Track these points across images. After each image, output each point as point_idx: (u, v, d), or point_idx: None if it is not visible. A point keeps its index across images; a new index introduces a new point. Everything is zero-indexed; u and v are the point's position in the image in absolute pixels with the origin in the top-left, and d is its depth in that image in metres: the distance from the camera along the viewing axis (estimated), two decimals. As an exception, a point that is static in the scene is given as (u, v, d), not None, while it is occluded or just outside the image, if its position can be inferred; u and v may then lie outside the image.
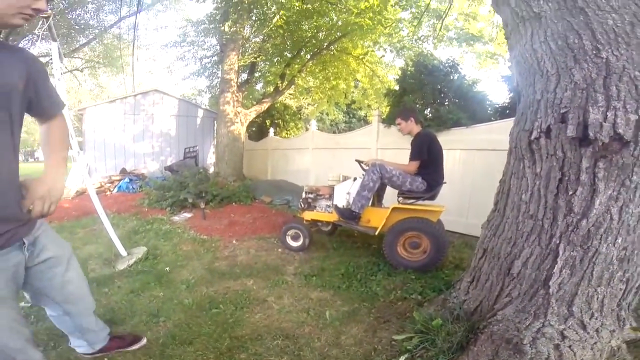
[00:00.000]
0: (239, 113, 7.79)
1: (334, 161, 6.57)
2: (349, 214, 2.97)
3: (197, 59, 9.58)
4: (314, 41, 8.15)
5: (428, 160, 2.82)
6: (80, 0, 9.88)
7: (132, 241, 3.59)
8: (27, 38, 9.62)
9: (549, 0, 1.50)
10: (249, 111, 8.18)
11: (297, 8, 6.83)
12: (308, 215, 3.41)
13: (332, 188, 3.30)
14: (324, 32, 7.90)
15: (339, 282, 2.57)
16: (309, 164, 7.46)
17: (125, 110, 8.67)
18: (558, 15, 1.46)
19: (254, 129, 11.05)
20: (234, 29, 6.76)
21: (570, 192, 1.36)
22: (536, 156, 1.49)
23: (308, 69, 8.99)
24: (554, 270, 1.35)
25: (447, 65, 4.83)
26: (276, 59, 9.03)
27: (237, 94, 7.87)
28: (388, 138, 5.10)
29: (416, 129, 2.97)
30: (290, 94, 10.66)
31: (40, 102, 0.94)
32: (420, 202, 2.93)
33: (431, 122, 4.30)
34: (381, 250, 2.89)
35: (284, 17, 7.01)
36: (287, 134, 10.59)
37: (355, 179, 3.17)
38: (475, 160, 4.05)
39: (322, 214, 3.36)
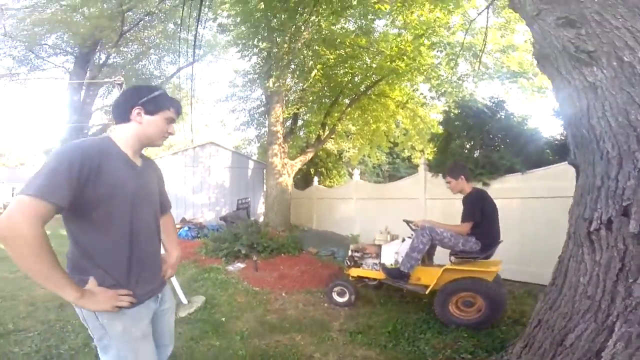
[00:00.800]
0: (285, 165, 8.46)
1: (379, 211, 6.61)
2: (398, 274, 2.99)
3: (246, 111, 10.87)
4: (351, 86, 8.53)
5: (482, 220, 2.80)
6: (144, 51, 12.07)
7: (191, 289, 3.97)
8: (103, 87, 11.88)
9: (603, 68, 1.38)
10: (295, 162, 8.83)
11: (332, 57, 7.44)
12: (354, 272, 3.48)
13: (379, 247, 3.40)
14: (359, 77, 8.28)
15: (386, 340, 2.55)
16: (353, 213, 7.62)
17: (186, 163, 9.80)
18: (615, 85, 1.35)
19: (298, 177, 11.62)
20: (278, 84, 7.60)
21: (631, 280, 1.31)
22: (596, 245, 1.44)
23: (348, 116, 9.32)
24: (608, 344, 1.30)
25: (492, 103, 4.88)
26: (315, 106, 9.56)
27: (283, 145, 8.55)
28: (437, 189, 5.03)
29: (467, 187, 2.95)
30: (331, 138, 10.99)
31: (163, 202, 1.37)
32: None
33: (482, 170, 4.28)
34: (432, 305, 2.84)
35: (321, 69, 7.77)
36: (330, 182, 11.04)
37: (404, 239, 3.24)
38: (535, 208, 3.88)
39: (369, 271, 3.42)
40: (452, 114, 5.38)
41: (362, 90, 8.64)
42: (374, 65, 7.64)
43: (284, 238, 6.62)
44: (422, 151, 9.16)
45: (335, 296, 3.46)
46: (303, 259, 5.59)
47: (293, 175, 8.91)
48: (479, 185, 4.34)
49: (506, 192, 4.10)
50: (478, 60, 6.09)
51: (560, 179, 3.67)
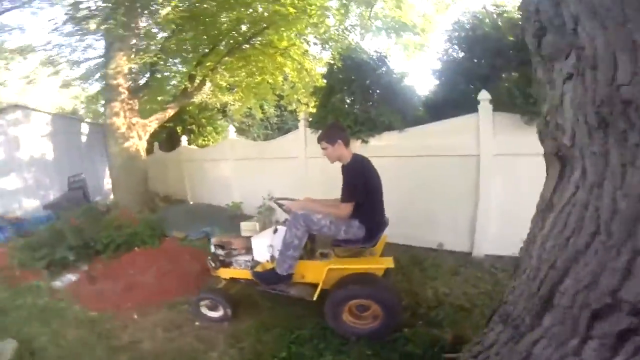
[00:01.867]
0: (133, 125, 6.55)
1: (259, 173, 5.94)
2: (275, 278, 2.38)
3: (75, 63, 7.82)
4: (236, 35, 7.38)
5: (365, 199, 2.30)
6: None
7: (-5, 329, 2.60)
8: None
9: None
10: (149, 121, 7.01)
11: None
12: (225, 273, 2.75)
13: (248, 240, 2.66)
14: (247, 26, 7.18)
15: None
16: (230, 177, 6.67)
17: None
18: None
19: (164, 136, 9.74)
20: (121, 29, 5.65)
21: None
22: None
23: (226, 66, 8.14)
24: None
25: (375, 57, 4.54)
26: (185, 55, 7.98)
27: (131, 102, 6.64)
28: (318, 147, 4.61)
29: (347, 153, 2.41)
30: (210, 92, 9.72)
31: None
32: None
33: (361, 127, 3.97)
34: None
35: (186, 11, 6.11)
36: (204, 140, 9.52)
37: (276, 229, 2.55)
38: (412, 167, 3.84)
39: (243, 271, 2.70)
40: (335, 67, 4.83)
41: (246, 38, 7.47)
42: (266, 15, 6.55)
43: (137, 224, 5.18)
44: (306, 104, 8.69)
45: (205, 311, 2.68)
46: (164, 252, 4.39)
47: (147, 137, 7.08)
48: (358, 144, 4.06)
49: (384, 149, 3.93)
50: (370, 9, 5.60)
51: (435, 137, 3.65)
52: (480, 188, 3.45)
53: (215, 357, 2.26)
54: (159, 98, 8.62)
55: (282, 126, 14.64)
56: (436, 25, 6.51)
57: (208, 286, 3.08)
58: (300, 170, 4.99)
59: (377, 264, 2.38)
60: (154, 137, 10.19)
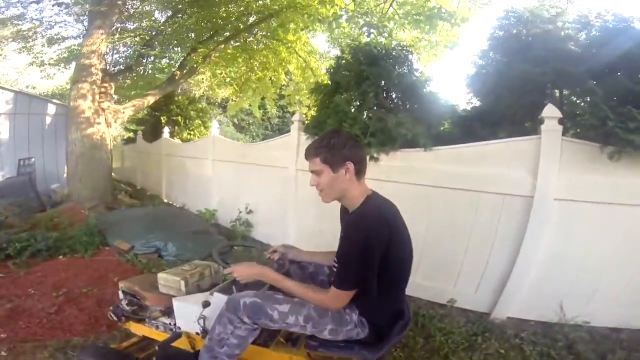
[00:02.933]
0: (103, 110, 5.65)
1: (241, 180, 4.96)
2: None
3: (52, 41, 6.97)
4: (238, 24, 6.76)
5: (375, 280, 1.26)
6: None
7: None
8: None
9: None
10: (123, 107, 6.13)
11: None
12: (137, 330, 1.81)
13: (168, 299, 1.64)
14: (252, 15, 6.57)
15: None
16: (210, 179, 5.69)
17: None
18: None
19: (148, 124, 8.87)
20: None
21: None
22: None
23: (220, 54, 7.30)
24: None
25: (396, 51, 3.58)
26: (178, 41, 7.24)
27: (106, 85, 5.80)
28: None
29: (356, 191, 1.36)
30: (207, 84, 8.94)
31: None
32: None
33: (372, 139, 2.97)
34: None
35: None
36: (190, 134, 8.58)
37: (207, 303, 1.46)
38: (434, 200, 2.85)
39: (159, 333, 1.72)
40: (343, 61, 3.86)
41: (248, 27, 6.91)
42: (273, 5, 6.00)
43: (79, 224, 4.23)
44: (308, 107, 7.82)
45: None
46: (93, 267, 3.39)
47: (120, 124, 6.24)
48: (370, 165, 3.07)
49: (400, 172, 2.95)
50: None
51: (475, 163, 2.66)
52: (525, 238, 2.48)
53: None
54: (140, 83, 7.78)
55: (283, 127, 14.00)
56: (478, 16, 5.40)
57: (99, 341, 2.16)
58: (289, 185, 4.01)
59: None
60: (142, 125, 9.40)
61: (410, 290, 2.70)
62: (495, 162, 2.57)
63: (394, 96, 3.61)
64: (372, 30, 5.37)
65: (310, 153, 1.37)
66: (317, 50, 8.84)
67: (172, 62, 8.07)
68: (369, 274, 1.23)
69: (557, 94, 3.03)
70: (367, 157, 2.63)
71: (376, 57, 3.43)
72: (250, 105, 10.77)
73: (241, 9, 6.44)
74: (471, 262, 2.75)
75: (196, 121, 8.71)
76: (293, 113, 12.65)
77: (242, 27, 6.88)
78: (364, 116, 3.22)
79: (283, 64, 8.25)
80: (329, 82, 4.05)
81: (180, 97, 8.65)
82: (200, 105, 9.20)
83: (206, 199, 5.62)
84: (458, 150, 2.71)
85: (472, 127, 3.30)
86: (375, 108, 3.26)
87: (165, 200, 7.25)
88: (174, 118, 8.30)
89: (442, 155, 2.78)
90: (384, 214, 1.27)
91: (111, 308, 1.82)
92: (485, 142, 2.62)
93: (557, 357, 2.17)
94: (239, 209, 4.68)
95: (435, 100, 3.51)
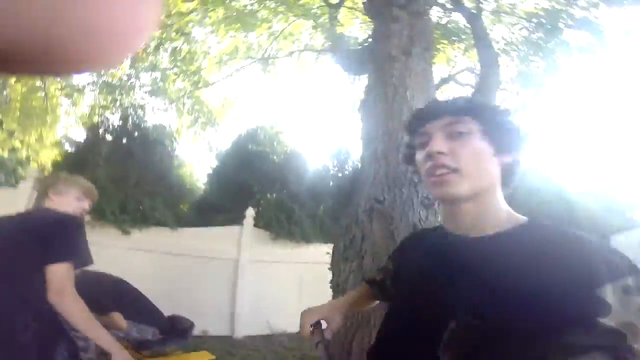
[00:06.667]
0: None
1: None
2: None
3: None
4: None
5: None
6: None
7: None
8: None
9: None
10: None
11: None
12: None
13: None
14: None
15: None
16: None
17: None
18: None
19: None
20: None
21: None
22: None
23: None
24: None
25: (166, 139, 4.56)
26: None
27: None
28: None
29: None
30: None
31: None
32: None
33: (126, 217, 3.71)
34: None
35: None
36: None
37: None
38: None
39: None
40: (108, 124, 4.33)
41: None
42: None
43: None
44: (29, 146, 6.18)
45: None
46: None
47: None
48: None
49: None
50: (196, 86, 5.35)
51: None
52: (238, 280, 4.22)
53: None
54: None
55: None
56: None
57: None
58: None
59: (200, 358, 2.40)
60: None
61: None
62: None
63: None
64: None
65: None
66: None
67: None
68: None
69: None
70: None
71: (144, 133, 4.27)
72: None
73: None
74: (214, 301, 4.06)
75: None
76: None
77: None
78: (124, 195, 3.87)
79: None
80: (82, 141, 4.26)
81: None
82: None
83: None
84: (196, 232, 4.13)
85: (207, 212, 4.83)
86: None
87: None
88: None
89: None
90: None
91: None
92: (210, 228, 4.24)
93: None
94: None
95: (182, 185, 4.80)
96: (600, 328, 0.54)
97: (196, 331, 4.11)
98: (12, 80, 6.52)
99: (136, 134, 4.11)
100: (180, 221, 4.15)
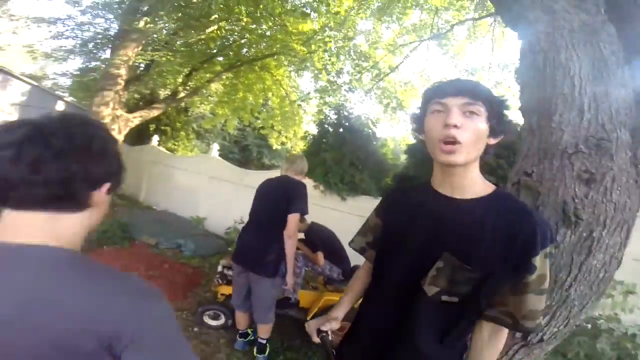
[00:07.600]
0: (118, 117, 6.73)
1: (234, 197, 6.44)
2: (286, 303, 2.98)
3: (78, 38, 7.52)
4: (236, 49, 8.02)
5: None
6: None
7: None
8: None
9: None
10: (132, 116, 7.19)
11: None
12: (225, 290, 3.22)
13: None
14: (253, 45, 7.91)
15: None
16: (200, 192, 7.09)
17: None
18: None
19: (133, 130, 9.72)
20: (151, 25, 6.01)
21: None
22: None
23: (221, 81, 8.67)
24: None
25: (368, 125, 5.50)
26: (180, 57, 8.27)
27: (122, 93, 6.81)
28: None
29: None
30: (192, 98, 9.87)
31: None
32: None
33: (344, 187, 4.92)
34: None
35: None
36: (175, 144, 9.73)
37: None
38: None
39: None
40: (329, 120, 5.77)
41: (249, 58, 8.19)
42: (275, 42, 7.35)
43: (107, 222, 5.37)
44: (290, 139, 9.44)
45: (207, 320, 3.21)
46: (139, 255, 4.70)
47: (126, 132, 7.23)
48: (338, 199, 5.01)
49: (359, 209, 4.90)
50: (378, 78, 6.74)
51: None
52: None
53: (224, 358, 2.79)
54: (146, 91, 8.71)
55: (240, 140, 14.86)
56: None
57: (209, 298, 3.67)
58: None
59: None
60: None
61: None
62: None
63: (366, 165, 5.50)
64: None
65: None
66: (299, 85, 10.35)
67: (174, 77, 8.80)
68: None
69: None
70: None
71: (354, 126, 5.40)
72: (224, 123, 11.63)
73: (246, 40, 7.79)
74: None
75: (181, 133, 9.88)
76: (256, 129, 13.56)
77: (244, 58, 8.19)
78: (342, 171, 5.11)
79: (265, 90, 9.42)
80: (316, 135, 5.93)
81: (170, 109, 9.67)
82: (186, 118, 10.32)
83: (194, 208, 6.97)
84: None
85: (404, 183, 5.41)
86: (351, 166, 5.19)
87: (145, 203, 8.28)
88: (162, 128, 9.40)
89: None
90: None
91: (217, 277, 3.27)
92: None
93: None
94: (235, 220, 6.18)
95: (384, 162, 5.61)
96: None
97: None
98: (269, 93, 9.76)
99: (347, 124, 5.26)
100: (382, 191, 4.96)
